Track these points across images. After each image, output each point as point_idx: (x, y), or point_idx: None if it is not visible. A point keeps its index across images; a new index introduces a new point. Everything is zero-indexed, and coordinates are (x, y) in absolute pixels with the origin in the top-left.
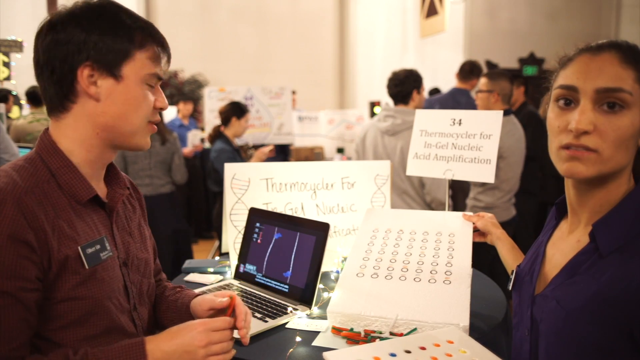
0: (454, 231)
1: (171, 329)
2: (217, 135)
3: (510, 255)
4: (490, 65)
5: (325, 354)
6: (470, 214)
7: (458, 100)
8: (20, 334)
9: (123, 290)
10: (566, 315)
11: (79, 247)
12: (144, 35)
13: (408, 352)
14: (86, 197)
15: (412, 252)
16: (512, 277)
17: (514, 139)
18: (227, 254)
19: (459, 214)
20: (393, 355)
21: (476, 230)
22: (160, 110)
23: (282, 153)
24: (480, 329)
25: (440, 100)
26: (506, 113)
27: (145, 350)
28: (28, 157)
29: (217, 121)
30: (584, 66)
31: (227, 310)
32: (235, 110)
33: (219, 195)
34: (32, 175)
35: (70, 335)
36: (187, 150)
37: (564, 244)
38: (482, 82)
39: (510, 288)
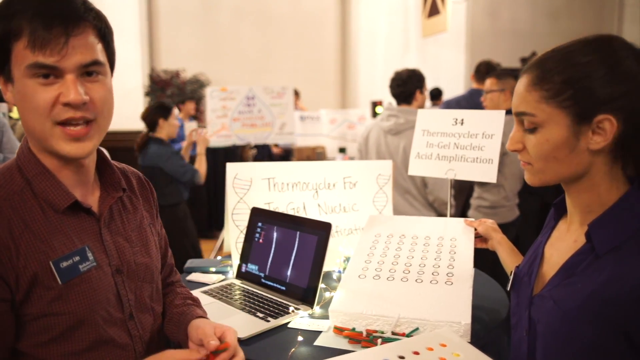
0: (456, 236)
1: None
2: (146, 141)
3: (510, 259)
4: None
5: None
6: (472, 219)
7: (477, 101)
8: None
9: (115, 299)
10: (563, 316)
11: (50, 262)
12: (20, 19)
13: (401, 357)
14: (63, 205)
15: (414, 255)
16: (511, 277)
17: None
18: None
19: (461, 220)
20: None
21: (478, 237)
22: (69, 106)
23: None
24: (482, 328)
25: (459, 101)
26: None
27: None
28: (6, 165)
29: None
30: (515, 89)
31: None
32: (159, 112)
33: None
34: (2, 188)
35: (54, 352)
36: (185, 143)
37: (562, 244)
38: (491, 82)
39: (508, 289)
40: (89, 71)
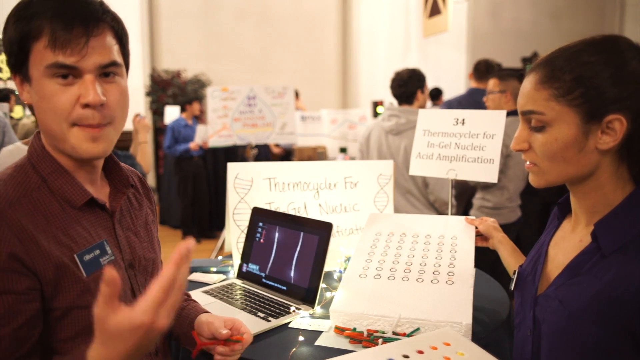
0: (457, 234)
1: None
2: None
3: (511, 258)
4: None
5: None
6: (473, 217)
7: (477, 100)
8: (12, 349)
9: (130, 294)
10: (569, 316)
11: (75, 255)
12: (40, 20)
13: (406, 356)
14: (80, 202)
15: (415, 254)
16: (514, 277)
17: None
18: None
19: (461, 218)
20: None
21: (479, 235)
22: (87, 107)
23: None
24: (484, 329)
25: (459, 101)
26: (515, 113)
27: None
28: (19, 164)
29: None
30: (521, 88)
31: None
32: None
33: None
34: (20, 185)
35: (78, 346)
36: (194, 144)
37: (567, 243)
38: (493, 83)
39: (512, 288)
40: (107, 72)
